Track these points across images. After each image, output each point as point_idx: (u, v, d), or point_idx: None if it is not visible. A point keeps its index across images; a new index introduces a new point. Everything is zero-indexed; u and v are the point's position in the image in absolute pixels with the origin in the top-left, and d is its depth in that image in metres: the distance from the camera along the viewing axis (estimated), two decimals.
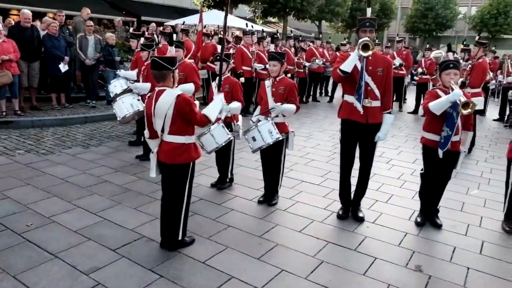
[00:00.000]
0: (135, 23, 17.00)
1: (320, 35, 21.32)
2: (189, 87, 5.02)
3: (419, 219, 4.21)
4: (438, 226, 4.12)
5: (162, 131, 3.18)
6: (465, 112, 3.60)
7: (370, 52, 3.63)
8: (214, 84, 4.75)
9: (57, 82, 8.24)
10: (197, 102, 4.46)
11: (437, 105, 3.76)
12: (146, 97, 5.40)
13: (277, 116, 4.29)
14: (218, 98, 3.44)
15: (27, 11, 7.81)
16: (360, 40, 3.69)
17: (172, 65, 3.13)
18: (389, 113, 4.04)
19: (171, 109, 3.04)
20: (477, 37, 8.04)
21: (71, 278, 2.89)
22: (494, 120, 10.59)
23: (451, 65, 3.93)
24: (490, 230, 4.14)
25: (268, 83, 4.43)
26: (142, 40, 6.48)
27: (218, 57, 4.64)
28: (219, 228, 3.83)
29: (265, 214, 4.24)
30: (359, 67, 3.79)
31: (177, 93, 3.07)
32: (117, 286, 2.83)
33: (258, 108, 4.57)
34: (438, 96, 3.88)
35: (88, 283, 2.84)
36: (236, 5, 19.60)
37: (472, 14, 33.69)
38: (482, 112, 10.15)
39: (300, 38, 12.42)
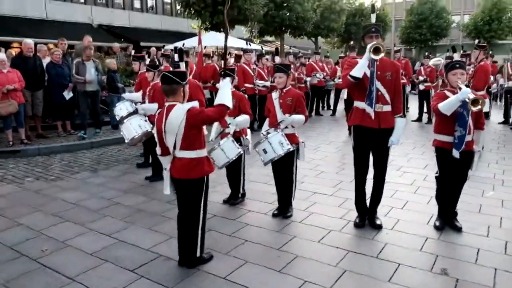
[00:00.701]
0: (134, 46, 17.22)
1: (319, 49, 21.55)
2: (194, 105, 5.03)
3: (438, 223, 4.14)
4: (458, 229, 4.04)
5: (174, 147, 3.16)
6: (474, 109, 3.59)
7: (382, 55, 3.64)
8: None
9: (62, 109, 8.29)
10: None
11: (447, 105, 3.75)
12: (156, 114, 5.47)
13: (286, 127, 4.28)
14: (224, 83, 3.32)
15: (29, 41, 7.93)
16: (371, 44, 3.69)
17: (182, 79, 3.14)
18: (401, 116, 4.03)
19: (183, 124, 3.02)
20: (476, 41, 8.12)
21: None
22: (499, 123, 10.57)
23: (457, 65, 3.95)
24: None
25: (275, 95, 4.43)
26: (147, 61, 6.53)
27: (222, 73, 4.66)
28: (237, 243, 3.77)
29: (281, 226, 4.18)
30: (368, 73, 3.80)
31: (188, 107, 3.05)
32: None
33: (267, 121, 4.56)
34: (446, 97, 3.87)
35: None
36: (233, 26, 19.86)
37: (465, 22, 34.09)
38: (486, 116, 10.17)
39: (300, 54, 12.51)
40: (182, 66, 4.31)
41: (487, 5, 30.37)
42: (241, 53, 10.11)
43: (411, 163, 6.71)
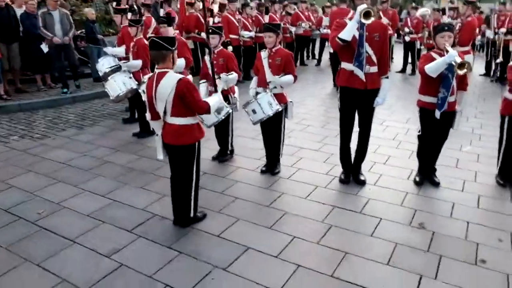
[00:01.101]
0: None
1: None
2: (181, 63, 4.95)
3: (418, 178, 4.39)
4: (436, 184, 4.30)
5: (165, 113, 3.19)
6: (461, 72, 3.69)
7: (372, 19, 3.62)
8: (207, 58, 4.73)
9: (40, 62, 8.00)
10: (190, 77, 4.51)
11: (434, 67, 3.84)
12: (141, 75, 5.38)
13: (275, 87, 4.32)
14: (218, 96, 3.58)
15: None
16: (361, 8, 3.63)
17: (172, 45, 3.10)
18: (387, 77, 4.11)
19: (172, 93, 3.04)
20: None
21: (94, 262, 2.98)
22: (480, 75, 10.74)
23: (446, 28, 3.98)
24: (485, 184, 4.35)
25: (264, 54, 4.42)
26: (129, 15, 6.30)
27: (210, 30, 4.57)
28: (228, 201, 3.94)
29: (270, 183, 4.36)
30: (356, 35, 3.80)
31: (179, 77, 3.05)
32: (140, 266, 2.94)
33: (255, 78, 4.57)
34: (433, 59, 3.94)
35: (111, 265, 2.94)
36: None
37: None
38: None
39: (285, 2, 12.15)
40: (171, 32, 4.20)
41: None
42: (226, 1, 9.76)
43: (394, 117, 6.90)
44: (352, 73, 3.97)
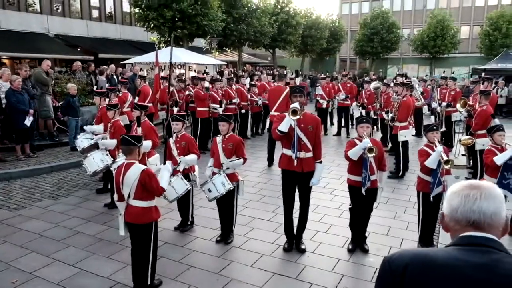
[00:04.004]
0: (93, 61, 17.44)
1: (273, 66, 22.58)
2: (147, 144, 5.73)
3: (350, 246, 5.13)
4: (365, 251, 5.04)
5: (129, 196, 3.91)
6: (370, 155, 4.63)
7: (298, 117, 4.54)
8: (171, 140, 5.53)
9: (22, 134, 8.68)
10: (157, 155, 5.31)
11: (353, 152, 4.76)
12: (116, 152, 6.10)
13: (228, 168, 5.12)
14: (165, 168, 4.34)
15: None
16: (291, 106, 4.59)
17: (138, 142, 3.91)
18: (320, 162, 4.97)
19: (136, 180, 3.79)
20: (400, 79, 9.32)
21: None
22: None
23: (364, 120, 4.98)
24: None
25: (219, 139, 5.26)
26: (107, 100, 7.18)
27: (174, 118, 5.44)
28: (183, 269, 4.55)
29: (222, 252, 5.00)
30: (294, 125, 4.69)
31: (142, 168, 3.83)
32: None
33: (211, 160, 5.37)
34: (355, 145, 4.87)
35: None
36: (192, 40, 20.54)
37: (415, 35, 36.58)
38: (419, 135, 11.58)
39: (256, 69, 13.43)
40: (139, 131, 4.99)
41: (433, 22, 32.86)
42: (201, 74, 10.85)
43: (344, 186, 7.70)
44: (291, 157, 4.82)
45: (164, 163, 4.73)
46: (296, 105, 4.61)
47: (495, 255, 1.39)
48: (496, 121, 6.98)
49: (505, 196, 4.99)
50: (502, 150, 5.09)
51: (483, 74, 11.97)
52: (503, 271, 1.34)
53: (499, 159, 4.95)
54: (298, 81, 8.77)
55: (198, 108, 10.13)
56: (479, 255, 1.38)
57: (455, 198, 1.49)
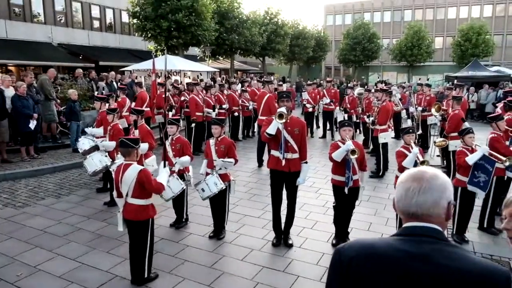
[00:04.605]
0: (94, 68, 17.32)
1: (263, 73, 22.62)
2: (144, 147, 5.71)
3: (334, 241, 5.16)
4: None
5: (127, 195, 3.89)
6: (352, 157, 4.67)
7: (284, 120, 4.56)
8: (167, 143, 5.51)
9: (27, 137, 8.58)
10: (154, 156, 5.28)
11: (337, 154, 4.80)
12: (115, 154, 6.07)
13: (220, 168, 5.12)
14: (165, 170, 4.30)
15: None
16: (278, 111, 4.62)
17: (136, 144, 3.89)
18: (306, 162, 4.99)
19: (134, 180, 3.77)
20: (380, 85, 9.39)
21: None
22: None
23: (346, 124, 5.03)
24: None
25: (212, 142, 5.26)
26: (107, 105, 7.13)
27: (169, 121, 5.42)
28: (178, 263, 4.54)
29: (214, 247, 5.00)
30: (281, 128, 4.71)
31: (140, 168, 3.81)
32: None
33: (205, 161, 5.36)
34: (339, 147, 4.91)
35: None
36: (186, 48, 20.50)
37: (393, 45, 36.96)
38: (398, 137, 11.68)
39: (247, 76, 13.44)
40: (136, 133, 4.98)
41: (409, 33, 33.24)
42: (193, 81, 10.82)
43: (328, 185, 7.74)
44: (279, 158, 4.84)
45: (164, 166, 4.69)
46: (282, 109, 4.63)
47: (436, 245, 1.35)
48: (466, 124, 7.10)
49: (475, 193, 5.10)
50: (472, 151, 5.17)
51: (455, 81, 12.14)
52: (439, 260, 1.31)
53: (471, 159, 5.03)
54: (285, 87, 8.80)
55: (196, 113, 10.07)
56: (417, 245, 1.35)
57: (399, 190, 1.45)
